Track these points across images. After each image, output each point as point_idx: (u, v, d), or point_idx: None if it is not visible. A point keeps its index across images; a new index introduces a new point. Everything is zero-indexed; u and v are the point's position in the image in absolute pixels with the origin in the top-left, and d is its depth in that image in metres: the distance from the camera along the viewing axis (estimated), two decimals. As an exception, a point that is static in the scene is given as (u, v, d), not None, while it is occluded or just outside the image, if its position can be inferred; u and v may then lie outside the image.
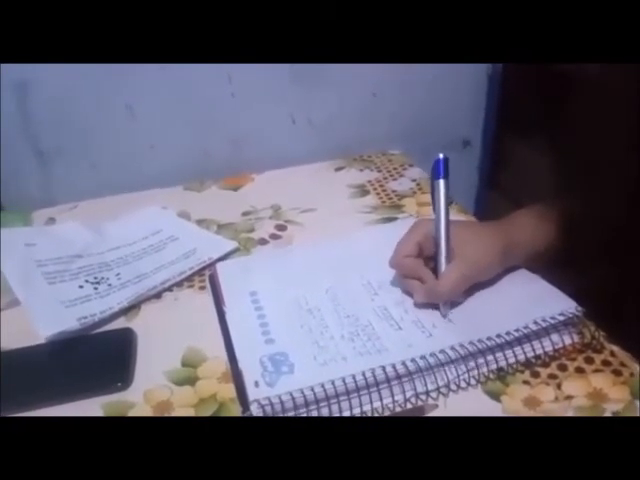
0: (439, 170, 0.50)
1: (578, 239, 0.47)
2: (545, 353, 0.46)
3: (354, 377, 0.42)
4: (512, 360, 0.45)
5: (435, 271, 0.49)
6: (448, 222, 0.49)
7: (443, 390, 0.44)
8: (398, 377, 0.43)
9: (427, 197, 0.68)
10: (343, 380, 0.42)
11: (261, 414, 0.40)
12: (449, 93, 0.88)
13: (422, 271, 0.49)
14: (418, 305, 0.50)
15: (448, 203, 0.49)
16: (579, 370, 0.45)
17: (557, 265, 0.50)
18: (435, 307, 0.49)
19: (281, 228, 0.67)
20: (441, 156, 0.49)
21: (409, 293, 0.51)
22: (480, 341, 0.44)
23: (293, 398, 0.41)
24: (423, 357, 0.43)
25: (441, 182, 0.50)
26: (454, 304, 0.49)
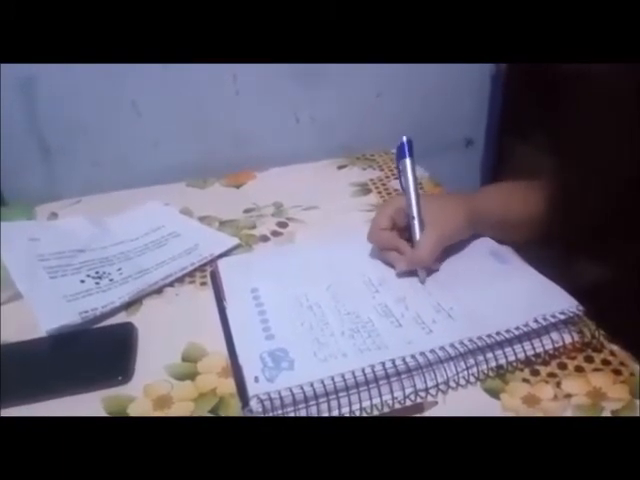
0: (404, 151, 0.54)
1: (568, 221, 0.50)
2: (545, 351, 0.46)
3: (353, 373, 0.42)
4: (512, 358, 0.45)
5: (409, 240, 0.53)
6: (419, 197, 0.53)
7: (442, 387, 0.44)
8: (397, 374, 0.43)
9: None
10: (342, 376, 0.42)
11: (260, 409, 0.41)
12: (452, 93, 0.88)
13: (398, 242, 0.54)
14: (400, 275, 0.53)
15: (416, 180, 0.54)
16: (579, 369, 0.45)
17: (547, 246, 0.53)
18: (414, 274, 0.53)
19: (283, 225, 0.67)
20: (404, 139, 0.54)
21: (409, 289, 0.52)
22: (480, 338, 0.44)
23: (292, 394, 0.41)
24: (422, 354, 0.43)
25: (407, 161, 0.54)
26: (430, 272, 0.53)
